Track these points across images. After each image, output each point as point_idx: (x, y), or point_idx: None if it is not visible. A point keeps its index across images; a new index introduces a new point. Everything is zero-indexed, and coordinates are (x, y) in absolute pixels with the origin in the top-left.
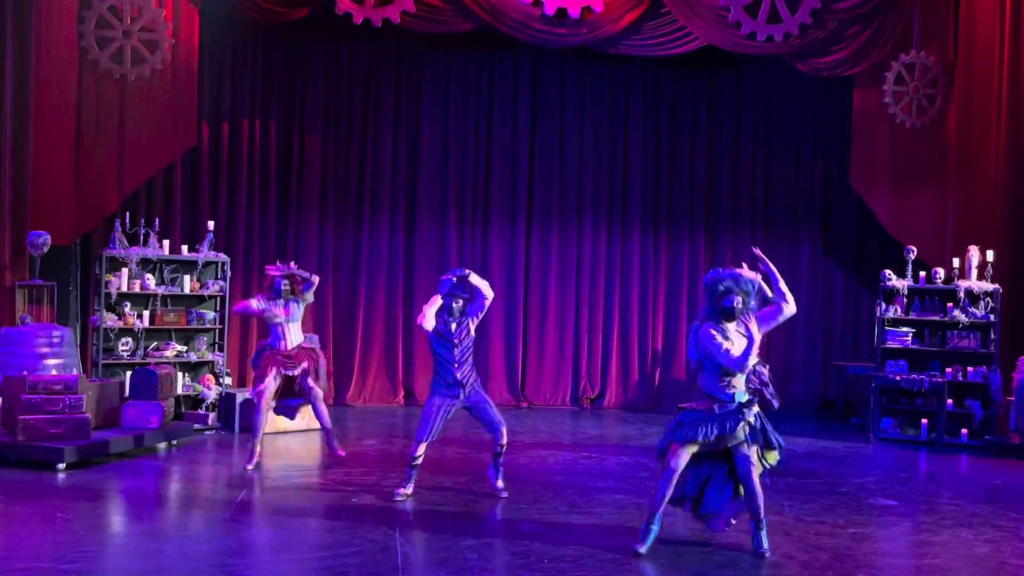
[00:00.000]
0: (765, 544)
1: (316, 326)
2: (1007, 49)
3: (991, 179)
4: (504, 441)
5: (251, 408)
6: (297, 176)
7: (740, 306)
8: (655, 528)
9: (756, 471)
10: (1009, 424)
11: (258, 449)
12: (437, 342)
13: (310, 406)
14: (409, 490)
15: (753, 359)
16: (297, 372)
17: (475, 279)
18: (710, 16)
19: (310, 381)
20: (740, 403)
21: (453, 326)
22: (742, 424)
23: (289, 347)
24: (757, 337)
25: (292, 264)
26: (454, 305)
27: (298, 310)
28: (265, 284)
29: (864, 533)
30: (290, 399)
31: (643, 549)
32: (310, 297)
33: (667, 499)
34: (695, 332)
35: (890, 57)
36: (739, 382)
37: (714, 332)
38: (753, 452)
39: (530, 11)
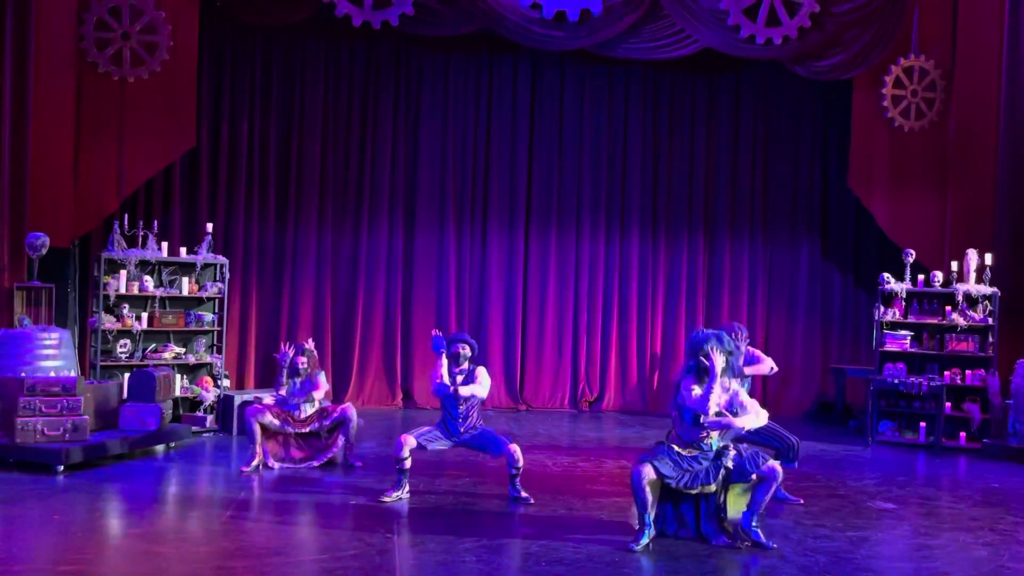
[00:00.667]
0: (763, 536)
1: (316, 329)
2: (1005, 53)
3: (989, 183)
4: (520, 464)
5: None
6: (296, 178)
7: (723, 367)
8: (647, 530)
9: (714, 506)
10: (1007, 427)
11: (259, 453)
12: (445, 398)
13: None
14: (400, 494)
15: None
16: (305, 431)
17: (466, 391)
18: (709, 19)
19: (345, 410)
20: (716, 450)
21: (460, 379)
22: (718, 479)
23: (302, 416)
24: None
25: (309, 343)
26: (461, 352)
27: (312, 391)
28: (283, 366)
29: (863, 536)
30: (307, 460)
31: (636, 547)
32: (320, 390)
33: (649, 504)
34: (677, 384)
35: (889, 61)
36: (715, 434)
37: (693, 386)
38: (719, 493)
39: (529, 14)
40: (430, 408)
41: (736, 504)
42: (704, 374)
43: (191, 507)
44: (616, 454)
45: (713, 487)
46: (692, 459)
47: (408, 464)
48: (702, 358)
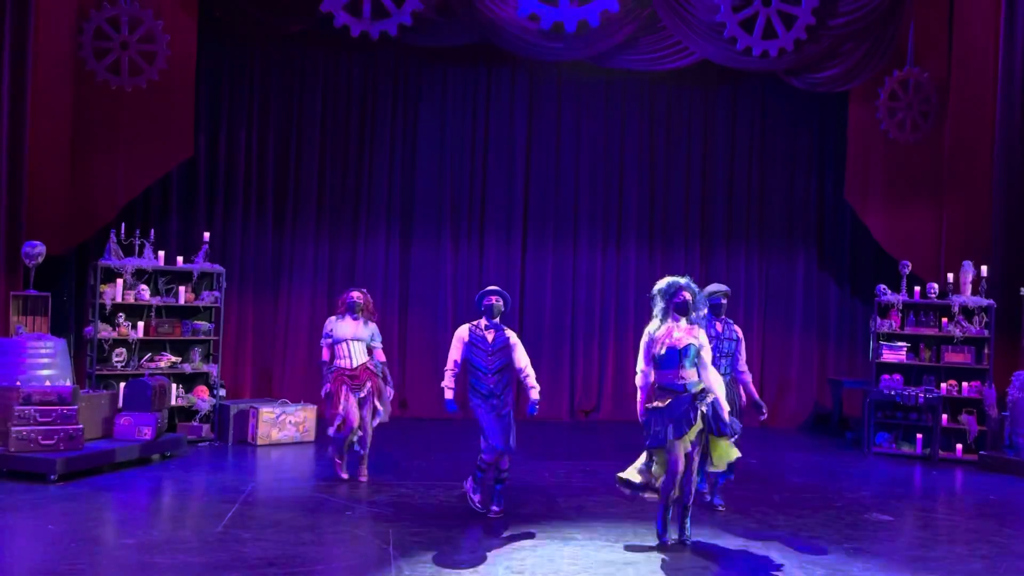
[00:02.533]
0: (690, 531)
1: (312, 339)
2: (1000, 66)
3: (985, 195)
4: (506, 464)
5: (338, 432)
6: (294, 188)
7: (691, 300)
8: (669, 517)
9: (697, 460)
10: (1004, 439)
11: (339, 461)
12: (472, 351)
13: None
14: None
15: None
16: (363, 394)
17: (535, 393)
18: (706, 31)
19: (376, 402)
20: (693, 394)
21: (491, 336)
22: (695, 423)
23: (353, 365)
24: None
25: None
26: (495, 304)
27: (365, 330)
28: (339, 301)
29: (859, 548)
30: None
31: (669, 540)
32: (374, 337)
33: (671, 493)
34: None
35: (884, 73)
36: (689, 374)
37: (657, 331)
38: (703, 444)
39: (527, 25)
40: (426, 418)
41: (723, 455)
42: (678, 311)
43: (186, 517)
44: (613, 465)
45: (690, 436)
46: (667, 409)
47: (506, 474)
48: (671, 295)
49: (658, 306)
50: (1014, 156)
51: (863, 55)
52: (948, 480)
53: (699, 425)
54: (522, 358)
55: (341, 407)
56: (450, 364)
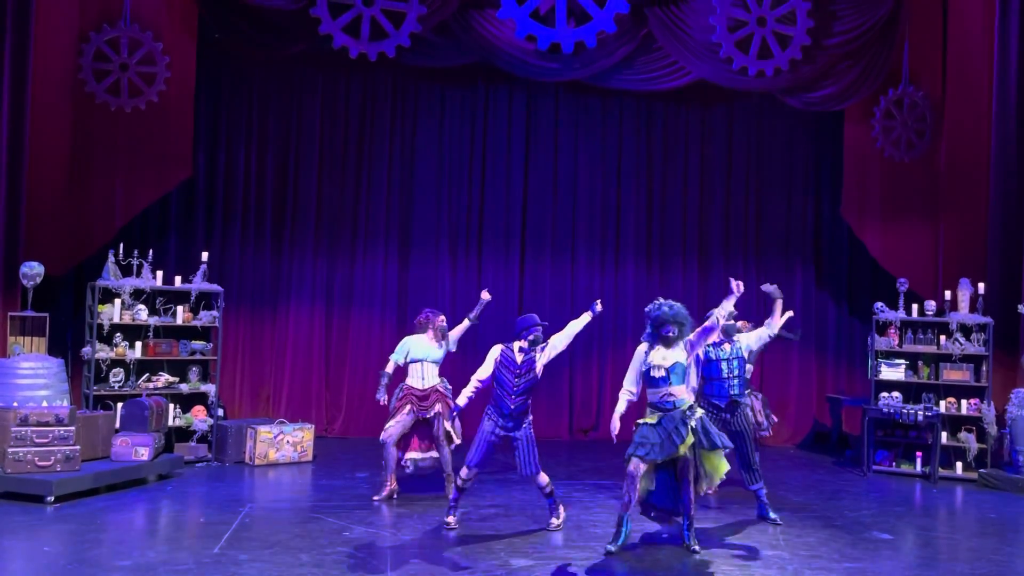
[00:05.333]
0: (694, 541)
1: (309, 358)
2: (995, 84)
3: (981, 212)
4: (543, 482)
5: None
6: (292, 208)
7: (675, 335)
8: (625, 529)
9: (692, 474)
10: (1003, 457)
11: (390, 482)
12: (500, 370)
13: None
14: (452, 519)
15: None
16: (431, 415)
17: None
18: (702, 51)
19: (447, 425)
20: (682, 410)
21: (520, 357)
22: (686, 438)
23: (424, 387)
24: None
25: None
26: (532, 337)
27: (438, 351)
28: (419, 321)
29: (860, 568)
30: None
31: (613, 548)
32: (452, 346)
33: (633, 502)
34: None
35: (880, 92)
36: (678, 391)
37: (647, 352)
38: (695, 457)
39: (524, 46)
40: None
41: (715, 469)
42: (662, 343)
43: (183, 538)
44: (612, 484)
45: (682, 450)
46: (658, 425)
47: (468, 485)
48: (663, 330)
49: (648, 330)
50: (1010, 173)
51: (858, 74)
52: (948, 498)
53: (691, 439)
54: (557, 342)
55: (392, 421)
56: (473, 381)
